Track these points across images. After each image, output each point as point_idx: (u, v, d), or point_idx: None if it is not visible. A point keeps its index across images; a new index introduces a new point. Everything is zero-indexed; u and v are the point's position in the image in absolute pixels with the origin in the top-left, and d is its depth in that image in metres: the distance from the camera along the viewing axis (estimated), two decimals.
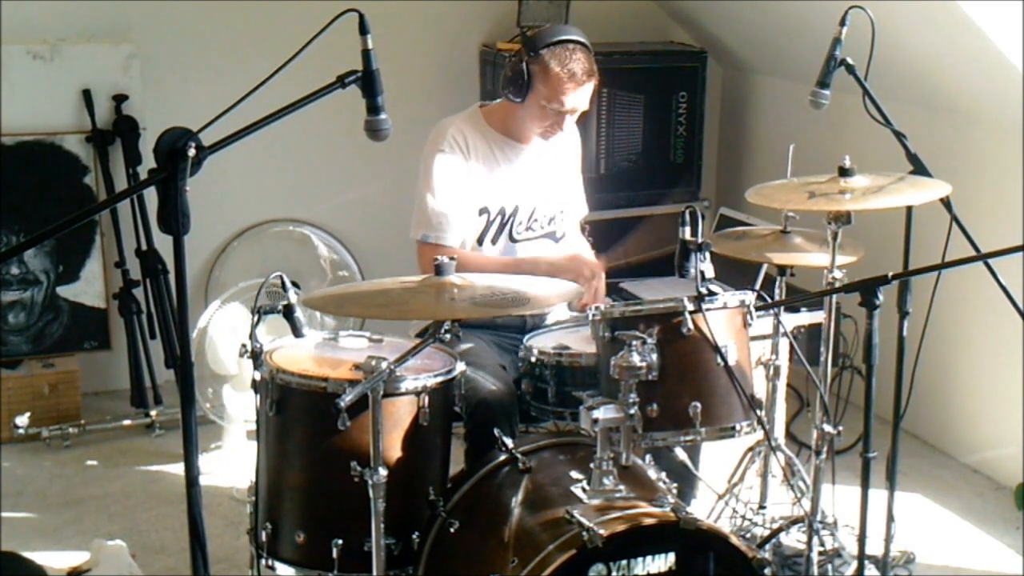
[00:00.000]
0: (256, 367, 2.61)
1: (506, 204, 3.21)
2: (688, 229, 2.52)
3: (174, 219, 2.02)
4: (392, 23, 4.69)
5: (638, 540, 2.31)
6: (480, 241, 3.22)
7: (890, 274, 2.55)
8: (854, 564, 2.96)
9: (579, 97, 3.10)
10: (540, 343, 2.94)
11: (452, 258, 2.50)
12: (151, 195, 2.29)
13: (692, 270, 2.50)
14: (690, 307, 2.47)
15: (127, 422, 4.50)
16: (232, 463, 4.11)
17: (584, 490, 2.45)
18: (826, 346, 3.04)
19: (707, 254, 2.51)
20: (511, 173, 3.22)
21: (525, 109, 3.14)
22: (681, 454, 2.86)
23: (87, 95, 4.55)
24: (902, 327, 3.01)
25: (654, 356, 2.44)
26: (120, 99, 4.59)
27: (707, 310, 2.48)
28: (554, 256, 3.26)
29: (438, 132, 3.19)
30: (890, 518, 3.10)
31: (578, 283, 3.04)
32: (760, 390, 3.05)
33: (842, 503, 3.17)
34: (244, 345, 2.62)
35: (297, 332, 2.66)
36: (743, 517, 3.27)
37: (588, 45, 3.12)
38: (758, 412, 2.55)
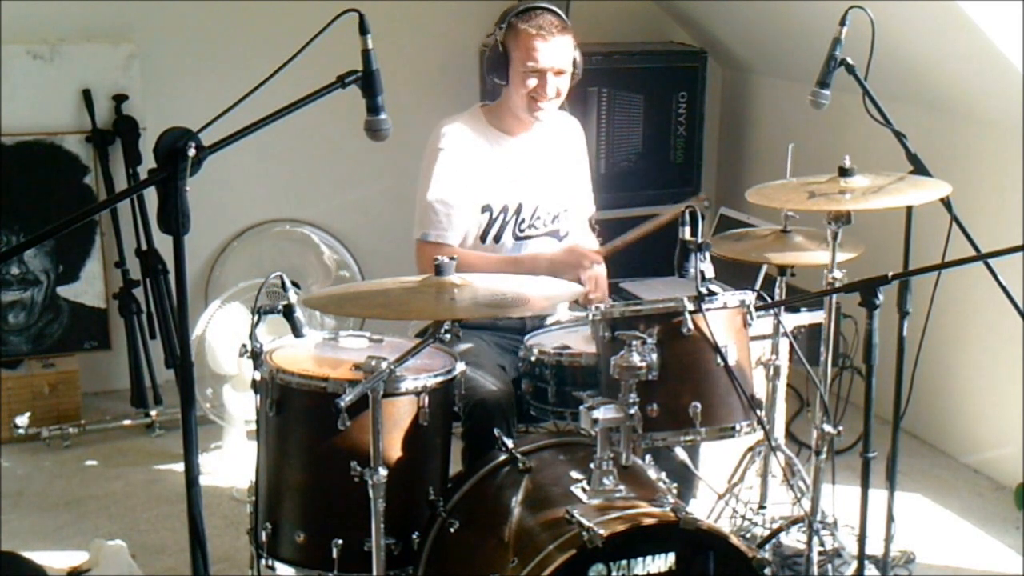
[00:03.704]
0: (256, 367, 2.61)
1: (509, 202, 3.21)
2: (688, 229, 2.52)
3: (174, 219, 2.02)
4: (392, 23, 4.70)
5: (638, 540, 2.31)
6: (483, 238, 3.22)
7: (890, 274, 2.55)
8: (854, 564, 2.96)
9: (553, 52, 3.10)
10: (540, 343, 2.95)
11: (452, 258, 2.50)
12: (151, 195, 2.29)
13: (692, 270, 2.50)
14: (690, 307, 2.47)
15: (127, 422, 4.50)
16: (232, 463, 4.11)
17: (584, 490, 2.45)
18: (826, 346, 3.04)
19: (707, 254, 2.51)
20: (514, 171, 3.22)
21: (510, 88, 3.16)
22: (681, 454, 2.86)
23: (87, 95, 4.55)
24: (902, 327, 3.01)
25: (654, 356, 2.44)
26: (120, 99, 4.59)
27: (707, 310, 2.48)
28: (552, 251, 3.26)
29: (439, 132, 3.20)
30: (890, 518, 3.10)
31: (579, 274, 3.07)
32: (760, 390, 3.05)
33: (842, 503, 3.17)
34: (244, 345, 2.62)
35: (297, 332, 2.66)
36: (743, 517, 3.27)
37: (559, 13, 3.14)
38: (758, 412, 2.55)
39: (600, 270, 3.25)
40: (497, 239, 3.23)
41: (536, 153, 3.27)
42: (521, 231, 3.25)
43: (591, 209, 3.50)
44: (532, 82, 3.12)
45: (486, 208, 3.20)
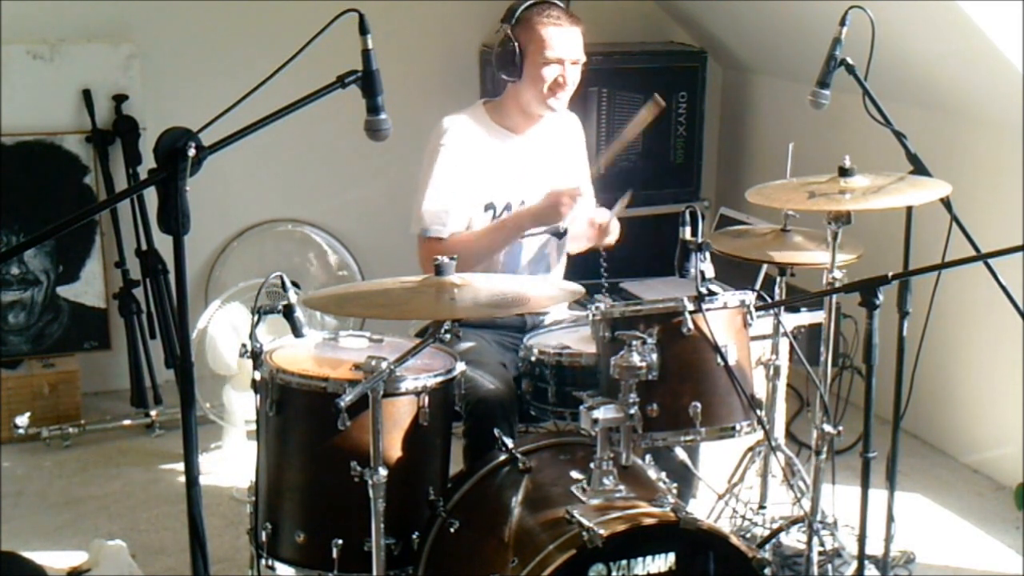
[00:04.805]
0: (256, 367, 2.61)
1: (511, 199, 3.22)
2: (688, 229, 2.52)
3: (174, 219, 2.02)
4: (392, 23, 4.70)
5: (638, 540, 2.31)
6: None
7: (890, 274, 2.55)
8: (854, 564, 2.96)
9: (569, 42, 3.12)
10: (540, 343, 2.94)
11: (452, 257, 2.50)
12: (151, 195, 2.29)
13: (692, 270, 2.50)
14: (690, 307, 2.47)
15: (127, 422, 4.50)
16: (232, 463, 4.11)
17: (584, 490, 2.45)
18: (826, 346, 3.04)
19: (707, 254, 2.51)
20: (515, 168, 3.23)
21: (524, 82, 3.15)
22: (681, 454, 2.86)
23: (87, 95, 4.55)
24: (902, 327, 3.01)
25: (654, 356, 2.44)
26: (120, 99, 4.59)
27: (707, 310, 2.48)
28: (531, 204, 3.22)
29: (441, 128, 3.20)
30: (890, 518, 3.10)
31: (563, 213, 3.08)
32: (760, 390, 3.05)
33: (842, 503, 3.17)
34: (244, 345, 2.62)
35: (297, 332, 2.66)
36: (743, 517, 3.27)
37: (562, 6, 3.17)
38: (758, 412, 2.55)
39: (595, 213, 3.29)
40: None
41: (539, 150, 3.28)
42: None
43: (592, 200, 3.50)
44: (550, 73, 3.12)
45: (489, 206, 3.20)
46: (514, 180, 3.22)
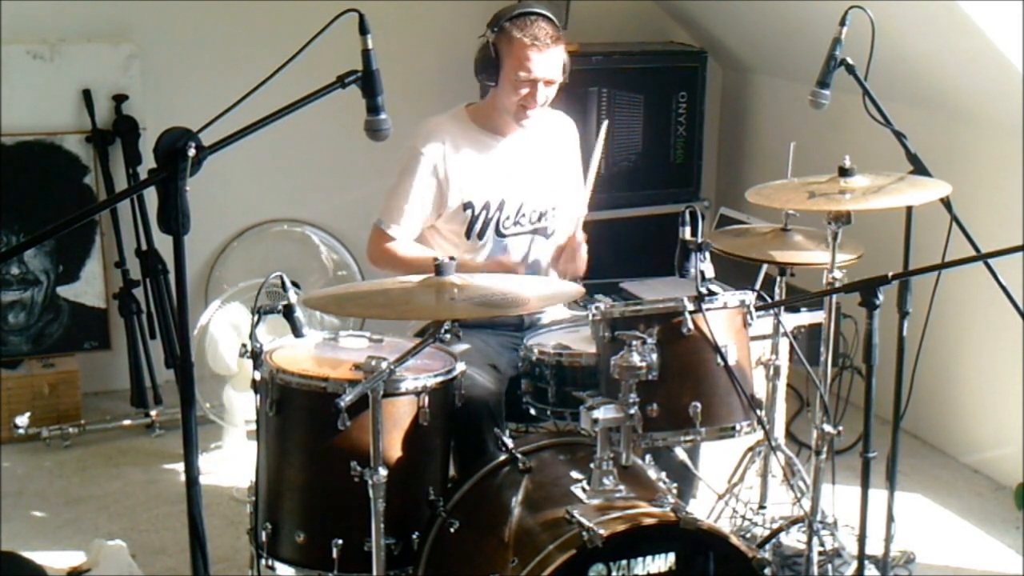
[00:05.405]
0: (256, 367, 2.61)
1: (491, 198, 3.22)
2: (688, 229, 2.52)
3: (174, 219, 2.02)
4: (392, 23, 4.69)
5: (638, 540, 2.31)
6: (467, 235, 3.23)
7: (890, 274, 2.55)
8: (854, 564, 2.96)
9: (546, 63, 3.10)
10: (540, 343, 2.94)
11: (452, 258, 2.51)
12: (151, 195, 2.30)
13: (692, 270, 2.51)
14: (690, 307, 2.47)
15: (127, 422, 4.50)
16: (232, 463, 4.11)
17: (584, 490, 2.45)
18: (826, 346, 3.04)
19: (707, 254, 2.51)
20: (496, 168, 3.23)
21: (500, 90, 3.16)
22: (681, 454, 2.86)
23: (87, 95, 4.55)
24: (902, 327, 3.01)
25: (654, 356, 2.44)
26: (120, 99, 4.59)
27: (707, 310, 2.48)
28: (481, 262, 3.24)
29: (419, 129, 3.23)
30: (890, 518, 3.10)
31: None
32: (760, 390, 3.05)
33: (842, 503, 3.17)
34: (244, 345, 2.62)
35: (297, 332, 2.66)
36: (743, 517, 3.27)
37: (552, 18, 3.15)
38: (758, 412, 2.55)
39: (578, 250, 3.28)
40: (480, 236, 3.23)
41: (524, 151, 3.27)
42: (505, 228, 3.25)
43: (582, 211, 3.47)
44: (523, 91, 3.12)
45: (467, 205, 3.21)
46: (494, 180, 3.21)
